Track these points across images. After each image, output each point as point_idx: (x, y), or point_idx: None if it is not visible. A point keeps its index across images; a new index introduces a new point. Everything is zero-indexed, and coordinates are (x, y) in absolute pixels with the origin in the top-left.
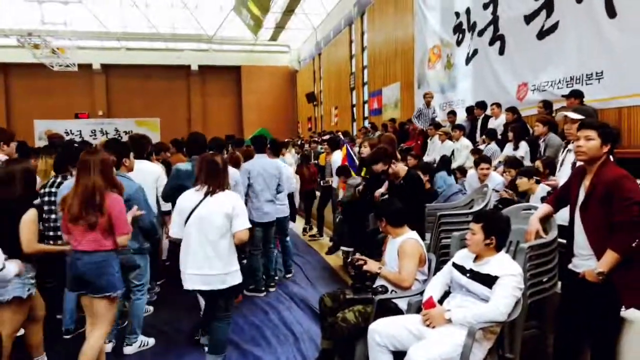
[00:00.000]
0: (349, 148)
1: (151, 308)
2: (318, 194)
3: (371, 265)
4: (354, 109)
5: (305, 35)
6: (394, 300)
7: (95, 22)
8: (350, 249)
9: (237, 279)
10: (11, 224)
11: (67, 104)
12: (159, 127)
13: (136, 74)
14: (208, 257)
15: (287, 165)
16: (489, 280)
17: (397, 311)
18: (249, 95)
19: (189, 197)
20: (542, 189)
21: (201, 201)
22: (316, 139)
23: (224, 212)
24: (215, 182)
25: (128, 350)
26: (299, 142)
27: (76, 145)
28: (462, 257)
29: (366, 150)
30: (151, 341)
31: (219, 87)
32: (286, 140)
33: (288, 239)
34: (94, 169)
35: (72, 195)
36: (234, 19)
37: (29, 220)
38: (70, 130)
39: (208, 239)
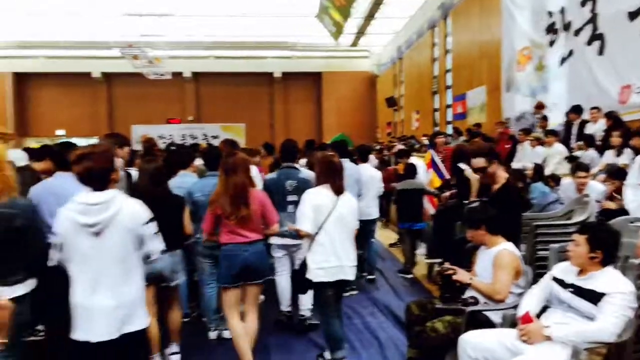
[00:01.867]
0: (434, 154)
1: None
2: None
3: (462, 276)
4: (436, 113)
5: (386, 40)
6: (485, 313)
7: (187, 32)
8: (437, 260)
9: None
10: (177, 216)
11: (160, 110)
12: (243, 132)
13: (223, 81)
14: (348, 251)
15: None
16: (594, 297)
17: (489, 324)
18: (328, 101)
19: (323, 196)
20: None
21: (337, 200)
22: (395, 144)
23: (354, 209)
24: (341, 181)
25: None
26: (377, 147)
27: (173, 147)
28: (563, 270)
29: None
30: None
31: (300, 93)
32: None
33: (373, 240)
34: (240, 169)
35: (221, 195)
36: (316, 26)
37: (187, 209)
38: (163, 135)
39: (347, 234)
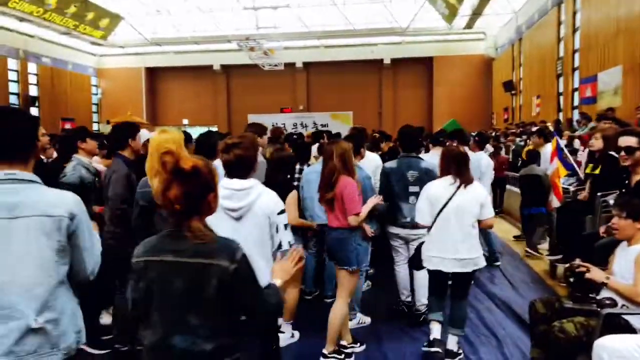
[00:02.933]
0: (560, 141)
1: (369, 282)
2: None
3: (596, 274)
4: (560, 97)
5: (504, 20)
6: (625, 317)
7: (300, 23)
8: (558, 257)
9: (483, 262)
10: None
11: (274, 99)
12: (351, 120)
13: (332, 70)
14: (466, 243)
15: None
16: None
17: (629, 329)
18: (440, 86)
19: (441, 188)
20: None
21: (456, 191)
22: (514, 130)
23: (479, 202)
24: (467, 173)
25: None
26: (492, 135)
27: (295, 136)
28: None
29: (597, 143)
30: (367, 320)
31: (410, 79)
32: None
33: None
34: (334, 155)
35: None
36: (428, 10)
37: (293, 199)
38: (276, 123)
39: (465, 227)
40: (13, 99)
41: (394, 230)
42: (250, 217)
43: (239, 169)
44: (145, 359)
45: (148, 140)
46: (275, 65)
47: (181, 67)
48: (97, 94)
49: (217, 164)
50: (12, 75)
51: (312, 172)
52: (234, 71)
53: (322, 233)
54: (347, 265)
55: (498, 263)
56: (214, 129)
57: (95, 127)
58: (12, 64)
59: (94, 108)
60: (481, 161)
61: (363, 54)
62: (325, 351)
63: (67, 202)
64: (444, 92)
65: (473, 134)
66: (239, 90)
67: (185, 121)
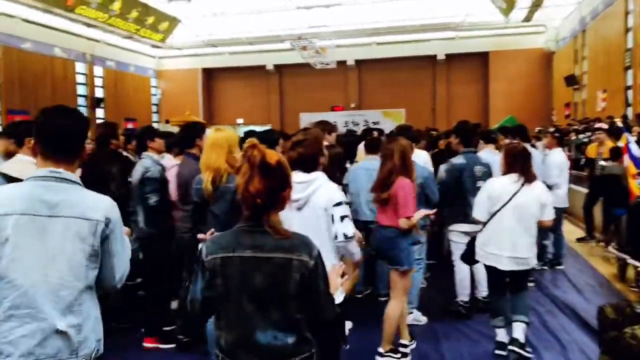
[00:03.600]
0: (630, 138)
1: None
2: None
3: None
4: (629, 91)
5: (566, 12)
6: None
7: (351, 21)
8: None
9: (535, 261)
10: None
11: (325, 98)
12: (403, 117)
13: (384, 67)
14: (524, 242)
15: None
16: None
17: None
18: (496, 82)
19: (506, 185)
20: None
21: (519, 190)
22: (577, 127)
23: (539, 202)
24: (531, 171)
25: None
26: (551, 130)
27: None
28: None
29: None
30: (424, 319)
31: (465, 74)
32: (538, 129)
33: (560, 230)
34: (395, 153)
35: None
36: (483, 3)
37: None
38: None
39: (525, 225)
40: (81, 101)
41: (463, 228)
42: (309, 209)
43: (302, 165)
44: (223, 358)
45: None
46: (327, 64)
47: (236, 67)
48: (156, 95)
49: None
50: (80, 79)
51: (359, 168)
52: (286, 70)
53: (369, 231)
54: (397, 264)
55: (561, 267)
56: (268, 127)
57: (155, 126)
58: (80, 67)
59: (153, 108)
60: (558, 158)
61: (416, 50)
62: (381, 350)
63: (105, 206)
64: (501, 88)
65: (551, 130)
66: (291, 89)
67: (240, 120)
